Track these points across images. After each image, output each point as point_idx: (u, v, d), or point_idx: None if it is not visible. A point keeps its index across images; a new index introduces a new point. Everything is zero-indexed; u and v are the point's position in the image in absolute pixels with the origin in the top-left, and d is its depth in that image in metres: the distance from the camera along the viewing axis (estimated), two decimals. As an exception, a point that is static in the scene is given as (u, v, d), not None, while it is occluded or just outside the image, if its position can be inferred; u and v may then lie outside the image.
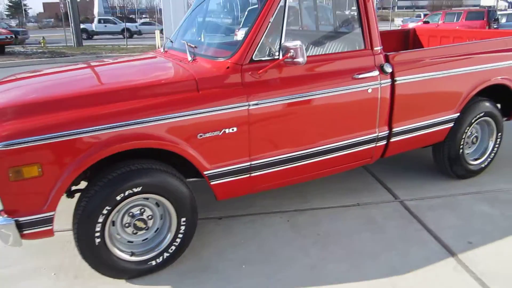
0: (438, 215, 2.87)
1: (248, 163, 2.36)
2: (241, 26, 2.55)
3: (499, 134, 3.43)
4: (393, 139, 2.86)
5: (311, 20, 3.13)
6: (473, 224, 2.74)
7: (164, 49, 3.02)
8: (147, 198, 2.23)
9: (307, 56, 2.48)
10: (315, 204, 3.08)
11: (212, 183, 2.32)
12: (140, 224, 2.24)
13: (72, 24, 17.35)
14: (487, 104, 3.27)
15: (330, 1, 3.08)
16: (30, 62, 12.12)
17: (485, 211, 2.91)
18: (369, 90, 2.63)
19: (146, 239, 2.32)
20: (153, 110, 2.07)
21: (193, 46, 2.61)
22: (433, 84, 2.90)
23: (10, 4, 62.06)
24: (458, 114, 3.10)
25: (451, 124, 3.11)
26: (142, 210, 2.24)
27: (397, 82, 2.73)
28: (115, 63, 3.01)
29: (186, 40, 2.74)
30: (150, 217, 2.28)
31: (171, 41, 3.05)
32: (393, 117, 2.80)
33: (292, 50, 2.26)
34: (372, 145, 2.78)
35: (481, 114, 3.24)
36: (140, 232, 2.27)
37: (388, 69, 2.68)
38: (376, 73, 2.64)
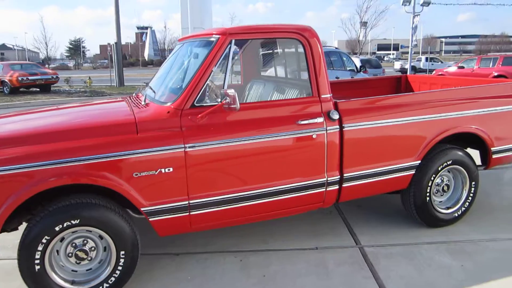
0: (393, 263, 2.80)
1: (186, 202, 2.49)
2: (186, 73, 2.77)
3: (473, 183, 3.32)
4: (346, 184, 2.88)
5: (263, 70, 3.31)
6: (426, 276, 2.65)
7: (135, 94, 3.29)
8: (90, 231, 2.40)
9: (252, 103, 2.65)
10: (274, 245, 3.10)
11: (150, 219, 2.46)
12: (81, 254, 2.40)
13: (116, 66, 18.72)
14: (456, 152, 3.21)
15: (283, 53, 3.25)
16: (69, 100, 13.17)
17: (444, 262, 2.80)
18: (314, 136, 2.71)
19: (90, 269, 2.47)
20: (91, 150, 2.28)
21: (153, 91, 2.85)
22: (387, 132, 2.93)
23: (70, 46, 68.04)
24: (419, 161, 3.07)
25: (412, 172, 3.07)
26: (85, 241, 2.41)
27: (345, 129, 2.79)
28: (81, 105, 3.31)
29: (152, 86, 3.00)
30: (93, 248, 2.43)
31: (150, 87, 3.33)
32: (343, 163, 2.85)
33: (228, 97, 2.42)
34: (321, 189, 2.82)
35: (449, 162, 3.18)
36: (83, 262, 2.43)
37: (335, 116, 2.76)
38: (321, 119, 2.73)
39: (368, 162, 2.92)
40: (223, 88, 2.52)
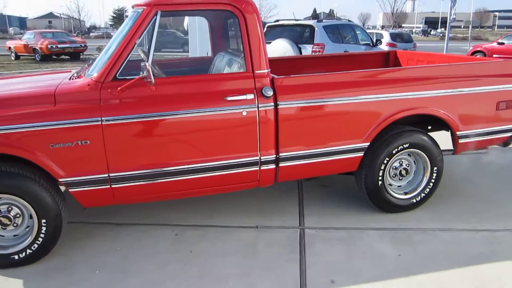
0: (328, 248, 2.68)
1: (106, 175, 2.49)
2: (112, 45, 2.70)
3: (435, 168, 3.08)
4: (283, 164, 2.76)
5: (197, 43, 3.17)
6: (355, 263, 2.52)
7: (86, 65, 3.28)
8: (15, 199, 2.47)
9: (174, 77, 2.57)
10: (217, 221, 3.07)
11: (70, 190, 2.49)
12: (5, 220, 2.48)
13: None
14: (415, 135, 2.97)
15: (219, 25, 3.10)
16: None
17: (382, 250, 2.64)
18: (244, 113, 2.60)
19: (17, 235, 2.56)
20: (7, 120, 2.31)
21: (89, 63, 2.83)
22: (329, 111, 2.74)
23: (114, 15, 69.55)
24: (368, 143, 2.88)
25: (360, 154, 2.88)
26: (10, 208, 2.49)
27: (280, 107, 2.64)
28: (25, 76, 3.34)
29: (92, 59, 2.98)
30: (18, 215, 2.51)
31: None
32: (279, 142, 2.71)
33: (145, 70, 2.36)
34: (255, 168, 2.71)
35: (406, 145, 2.95)
36: (8, 228, 2.52)
37: (268, 92, 2.61)
38: (251, 96, 2.59)
39: (307, 142, 2.77)
40: (147, 61, 2.45)
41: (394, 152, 2.95)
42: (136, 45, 2.47)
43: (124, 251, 2.70)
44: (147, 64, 2.35)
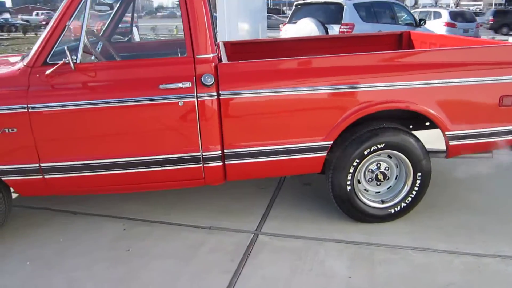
0: (273, 260, 2.37)
1: (37, 165, 2.38)
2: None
3: (419, 174, 2.60)
4: (230, 162, 2.47)
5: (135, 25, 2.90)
6: (294, 282, 2.18)
7: None
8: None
9: (105, 62, 2.38)
10: (172, 218, 2.87)
11: (3, 178, 2.42)
12: None
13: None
14: (394, 133, 2.51)
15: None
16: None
17: (333, 269, 2.28)
18: (180, 103, 2.33)
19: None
20: None
21: None
22: (282, 104, 2.38)
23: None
24: (331, 142, 2.48)
25: (322, 154, 2.50)
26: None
27: (223, 97, 2.34)
28: None
29: None
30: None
31: None
32: (224, 137, 2.42)
33: (68, 55, 2.19)
34: (197, 165, 2.45)
35: (381, 146, 2.51)
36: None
37: (208, 80, 2.31)
38: (187, 84, 2.31)
39: (258, 138, 2.44)
40: (80, 45, 2.28)
41: (366, 153, 2.52)
42: (67, 27, 2.30)
43: (65, 244, 2.60)
44: (66, 47, 2.17)
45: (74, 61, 2.27)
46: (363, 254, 2.40)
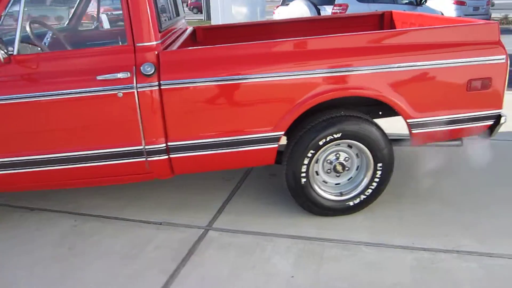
0: (217, 257, 2.25)
1: (-28, 162, 2.31)
2: None
3: (379, 165, 2.42)
4: (176, 155, 2.34)
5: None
6: (233, 281, 2.06)
7: None
8: None
9: (40, 53, 2.28)
10: (126, 213, 2.76)
11: None
12: None
13: None
14: (349, 122, 2.34)
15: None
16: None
17: (277, 267, 2.14)
18: (120, 95, 2.20)
19: None
20: None
21: None
22: (228, 93, 2.23)
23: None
24: (282, 132, 2.32)
25: (273, 145, 2.35)
26: None
27: (165, 87, 2.20)
28: None
29: None
30: None
31: None
32: (167, 129, 2.29)
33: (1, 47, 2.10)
34: (141, 159, 2.33)
35: (337, 136, 2.34)
36: None
37: (148, 70, 2.17)
38: (125, 74, 2.17)
39: (204, 130, 2.30)
40: (16, 36, 2.18)
41: (321, 143, 2.36)
42: (3, 17, 2.19)
43: (14, 241, 2.54)
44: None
45: (11, 52, 2.17)
46: (313, 250, 2.26)
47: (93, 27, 3.40)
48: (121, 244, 2.45)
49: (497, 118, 2.40)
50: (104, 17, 3.99)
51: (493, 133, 2.44)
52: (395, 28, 3.58)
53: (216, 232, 2.50)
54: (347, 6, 6.52)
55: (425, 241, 2.26)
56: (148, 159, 2.35)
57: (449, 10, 11.61)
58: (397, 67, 2.21)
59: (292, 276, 2.08)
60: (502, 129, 2.48)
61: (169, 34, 2.56)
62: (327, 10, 6.54)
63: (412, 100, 2.30)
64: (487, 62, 2.25)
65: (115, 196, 2.98)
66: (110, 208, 2.84)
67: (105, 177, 2.42)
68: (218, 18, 7.66)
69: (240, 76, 2.21)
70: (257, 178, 3.16)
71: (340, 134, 2.34)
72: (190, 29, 3.41)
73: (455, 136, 2.45)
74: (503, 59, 2.25)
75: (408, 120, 2.33)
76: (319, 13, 6.28)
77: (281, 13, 7.35)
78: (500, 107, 2.38)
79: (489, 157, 2.94)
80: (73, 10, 3.17)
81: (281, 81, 2.21)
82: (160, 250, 2.36)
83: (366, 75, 2.23)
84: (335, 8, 6.49)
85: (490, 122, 2.40)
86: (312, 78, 2.21)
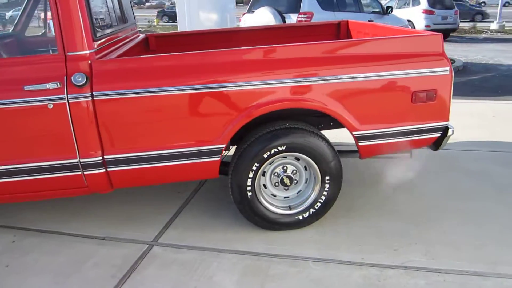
0: (158, 275, 2.15)
1: None
2: None
3: (327, 178, 2.37)
4: (113, 168, 2.24)
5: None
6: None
7: None
8: None
9: None
10: (70, 227, 2.64)
11: None
12: None
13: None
14: (295, 134, 2.28)
15: None
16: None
17: (220, 284, 2.06)
18: (50, 106, 2.09)
19: None
20: None
21: None
22: (164, 104, 2.14)
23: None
24: (223, 145, 2.24)
25: (215, 158, 2.27)
26: None
27: (97, 98, 2.10)
28: None
29: None
30: None
31: None
32: (103, 142, 2.19)
33: None
34: (77, 172, 2.22)
35: (282, 148, 2.28)
36: None
37: (79, 80, 2.07)
38: (54, 85, 2.07)
39: (141, 143, 2.20)
40: None
41: (266, 156, 2.30)
42: None
43: None
44: None
45: None
46: (259, 267, 2.19)
47: (40, 33, 3.26)
48: (59, 261, 2.32)
49: (445, 130, 2.39)
50: (51, 24, 3.85)
51: (442, 145, 2.43)
52: (351, 37, 3.58)
53: (160, 248, 2.40)
54: (312, 14, 6.52)
55: (373, 256, 2.22)
56: (85, 172, 2.23)
57: (419, 19, 11.86)
58: (340, 79, 2.17)
59: (232, 295, 2.00)
60: (454, 139, 2.46)
61: (110, 42, 2.45)
62: (292, 18, 6.53)
63: (357, 112, 2.26)
64: (431, 74, 2.24)
65: (59, 209, 2.85)
66: (52, 222, 2.71)
67: (41, 191, 2.29)
68: (185, 25, 7.52)
69: (177, 87, 2.13)
70: (210, 190, 3.08)
71: (285, 146, 2.28)
72: (141, 36, 3.31)
73: (403, 148, 2.42)
74: (447, 71, 2.24)
75: (353, 133, 2.30)
76: (284, 21, 6.26)
77: (247, 21, 7.29)
78: (447, 119, 2.37)
79: (437, 168, 2.94)
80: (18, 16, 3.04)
81: (218, 92, 2.14)
82: (99, 268, 2.24)
83: (309, 86, 2.18)
84: (300, 16, 6.49)
85: (438, 134, 2.39)
86: (251, 89, 2.15)
